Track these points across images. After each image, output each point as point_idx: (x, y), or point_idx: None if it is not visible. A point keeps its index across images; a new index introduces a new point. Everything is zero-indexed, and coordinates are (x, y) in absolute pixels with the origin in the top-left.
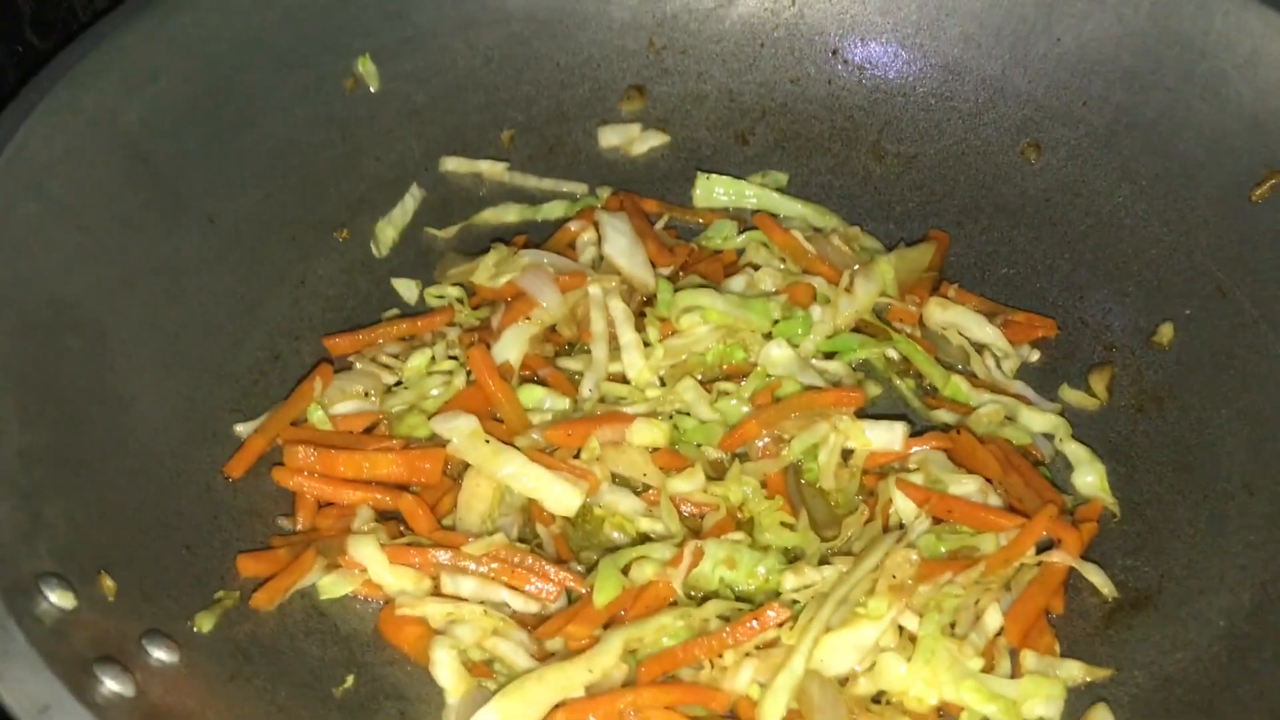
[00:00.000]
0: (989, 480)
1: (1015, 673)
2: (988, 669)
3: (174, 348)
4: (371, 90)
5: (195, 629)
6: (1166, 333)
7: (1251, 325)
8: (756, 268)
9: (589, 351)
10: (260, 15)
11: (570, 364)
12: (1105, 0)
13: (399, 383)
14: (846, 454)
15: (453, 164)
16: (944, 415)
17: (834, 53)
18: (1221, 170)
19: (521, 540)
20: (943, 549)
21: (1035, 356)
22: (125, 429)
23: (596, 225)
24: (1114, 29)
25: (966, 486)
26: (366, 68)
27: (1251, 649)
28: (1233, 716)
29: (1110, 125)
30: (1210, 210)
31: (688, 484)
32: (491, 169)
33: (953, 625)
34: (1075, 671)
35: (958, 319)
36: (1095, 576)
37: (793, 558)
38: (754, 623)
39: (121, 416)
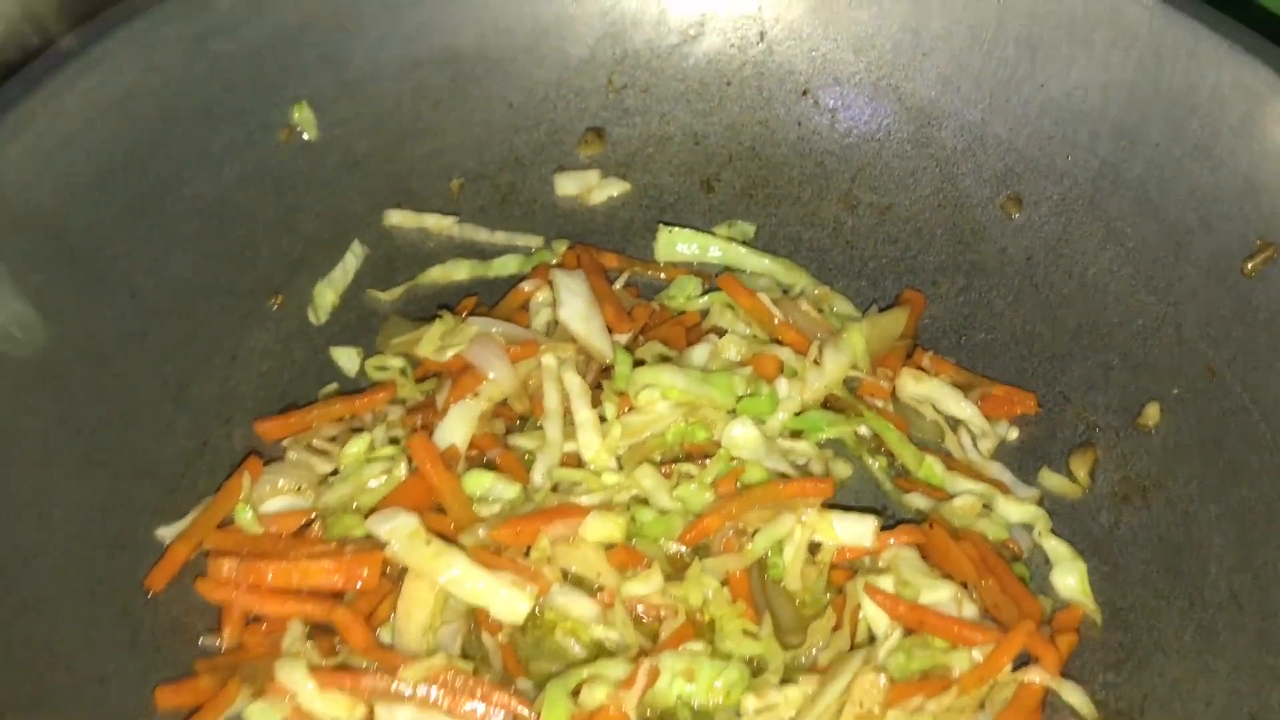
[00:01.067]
0: (964, 585)
1: None
2: None
3: (92, 444)
4: (308, 140)
5: None
6: (1153, 414)
7: (1242, 411)
8: (721, 333)
9: (541, 427)
10: (184, 68)
11: (523, 442)
12: (1092, 46)
13: (335, 471)
14: (814, 547)
15: (397, 217)
16: (917, 500)
17: (804, 94)
18: (1213, 238)
19: (465, 654)
20: (914, 667)
21: (1014, 435)
22: (35, 547)
23: (551, 285)
24: (1101, 78)
25: (939, 594)
26: (303, 116)
27: None
28: None
29: (1095, 181)
30: (1200, 281)
31: (645, 587)
32: (439, 223)
33: None
34: None
35: (932, 393)
36: (1074, 697)
37: (756, 669)
38: None
39: (32, 531)
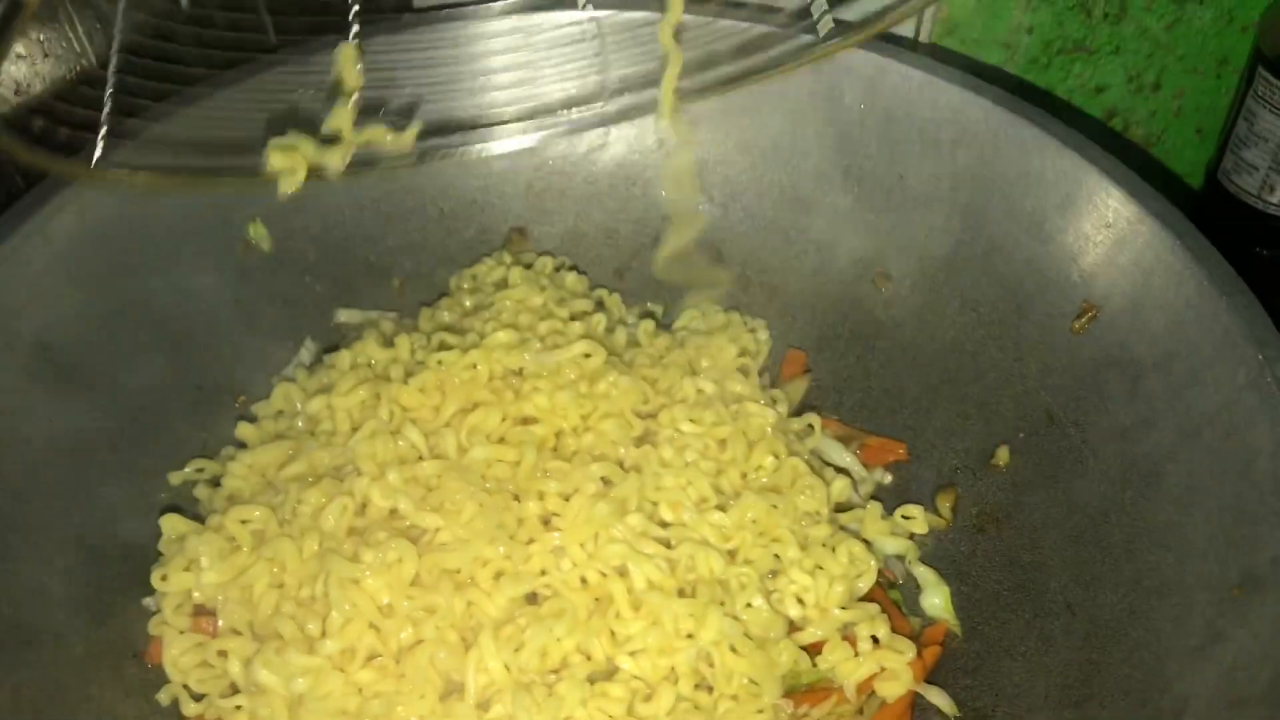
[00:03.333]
0: None
1: None
2: None
3: (78, 529)
4: (264, 251)
5: None
6: (1003, 455)
7: (1075, 449)
8: None
9: None
10: (151, 201)
11: None
12: (940, 142)
13: None
14: None
15: (345, 315)
16: None
17: (700, 190)
18: (1046, 301)
19: None
20: (803, 681)
21: (888, 479)
22: (36, 610)
23: None
24: (950, 167)
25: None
26: (257, 231)
27: None
28: None
29: (950, 256)
30: (1039, 338)
31: None
32: (382, 318)
33: None
34: None
35: (821, 446)
36: (938, 699)
37: None
38: None
39: (31, 600)
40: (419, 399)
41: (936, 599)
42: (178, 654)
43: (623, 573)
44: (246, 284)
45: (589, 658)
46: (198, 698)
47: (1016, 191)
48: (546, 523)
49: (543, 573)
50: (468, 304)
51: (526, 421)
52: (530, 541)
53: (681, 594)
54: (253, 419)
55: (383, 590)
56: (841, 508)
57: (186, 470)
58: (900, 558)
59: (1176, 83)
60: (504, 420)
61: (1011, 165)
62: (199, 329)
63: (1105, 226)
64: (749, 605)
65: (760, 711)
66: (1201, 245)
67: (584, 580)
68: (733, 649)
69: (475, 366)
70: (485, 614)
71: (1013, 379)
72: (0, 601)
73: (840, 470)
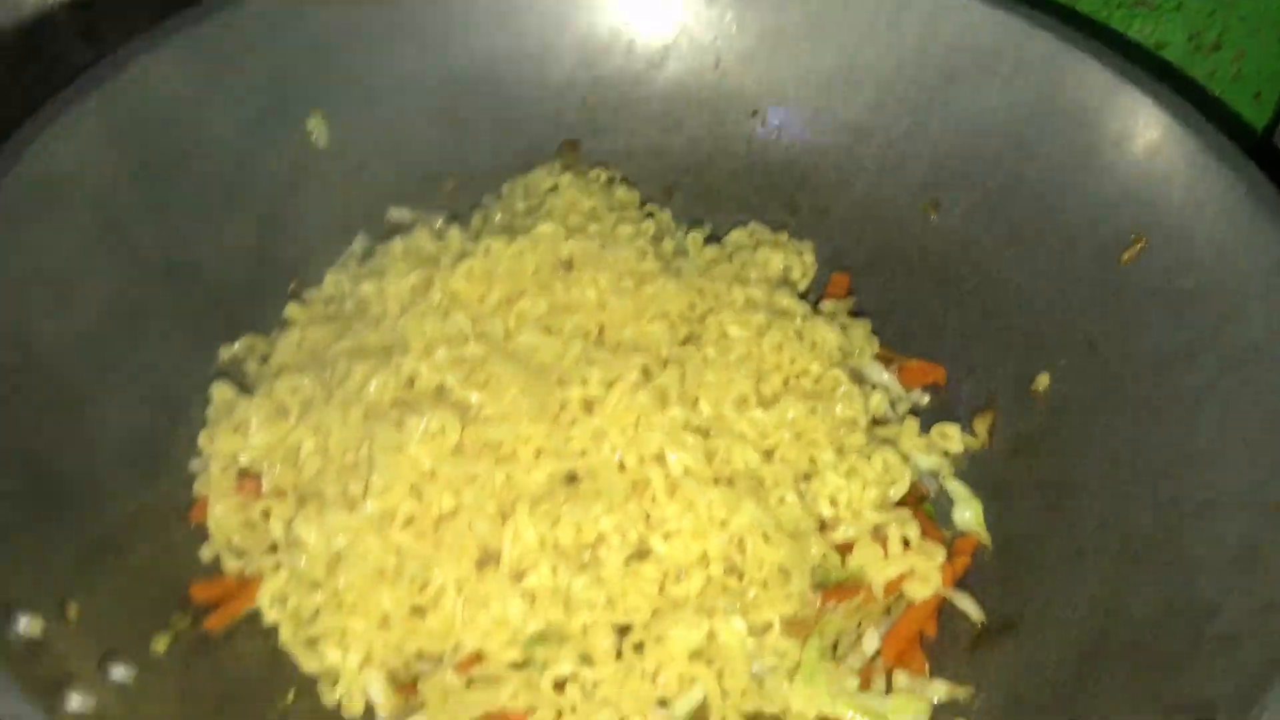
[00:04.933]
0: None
1: (889, 690)
2: (864, 686)
3: (134, 391)
4: (321, 146)
5: (150, 650)
6: (1043, 382)
7: (1115, 378)
8: None
9: None
10: (217, 81)
11: None
12: (997, 73)
13: None
14: None
15: (397, 214)
16: None
17: (754, 114)
18: (1096, 233)
19: None
20: (832, 578)
21: (925, 400)
22: (89, 465)
23: None
24: (1006, 98)
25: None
26: (316, 125)
27: (1092, 671)
28: None
29: (1001, 188)
30: (1086, 270)
31: None
32: (434, 217)
33: (835, 646)
34: (940, 690)
35: (860, 365)
36: (965, 604)
37: None
38: None
39: (85, 454)
40: (467, 286)
41: (968, 513)
42: (222, 513)
43: (660, 459)
44: (302, 174)
45: (624, 537)
46: (239, 556)
47: (1072, 124)
48: (588, 407)
49: (582, 454)
50: (520, 207)
51: (572, 313)
52: (572, 423)
53: (717, 484)
54: (306, 303)
55: (425, 456)
56: (879, 424)
57: (237, 346)
58: (934, 474)
59: (1238, 43)
60: (550, 310)
61: (1069, 98)
62: (255, 213)
63: (1160, 159)
64: (782, 501)
65: (788, 598)
66: (1255, 180)
67: (622, 465)
68: (764, 537)
69: (523, 256)
70: (524, 487)
71: (1056, 308)
72: (56, 458)
73: (877, 388)
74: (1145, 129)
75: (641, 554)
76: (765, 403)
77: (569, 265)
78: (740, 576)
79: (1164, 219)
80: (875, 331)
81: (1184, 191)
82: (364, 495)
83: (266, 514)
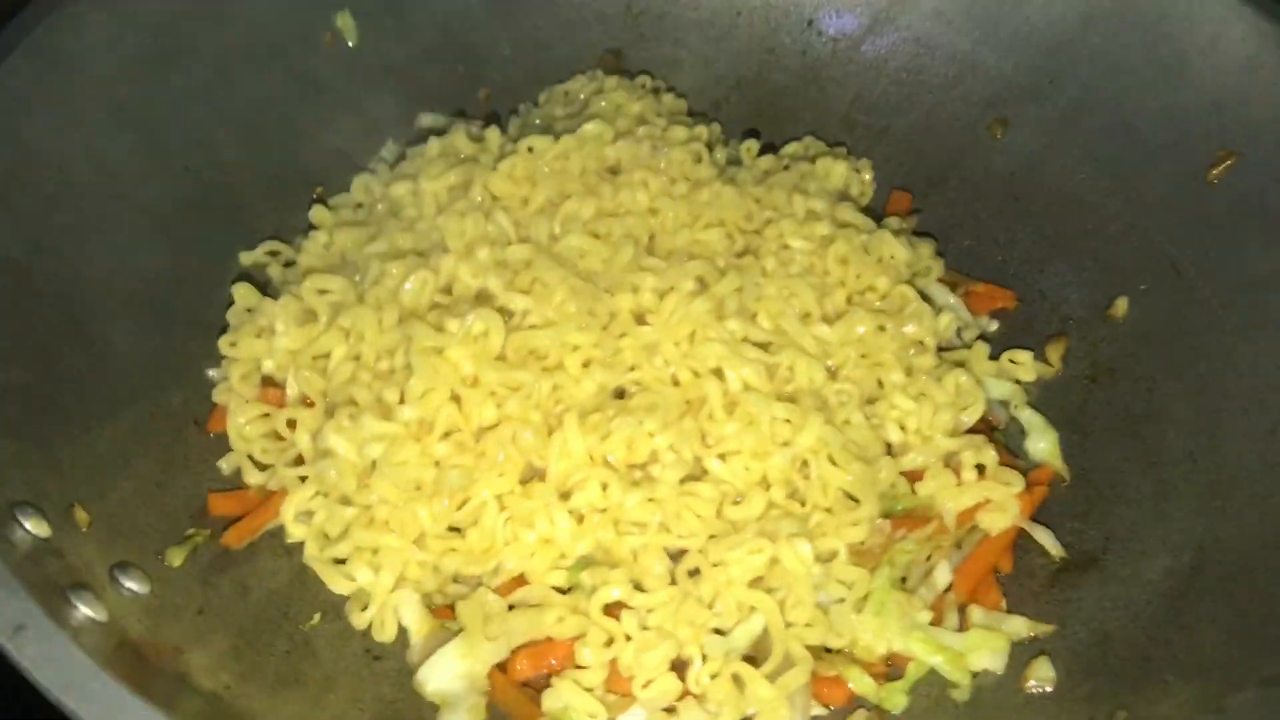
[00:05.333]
0: None
1: (962, 626)
2: (936, 622)
3: (148, 294)
4: (350, 45)
5: (166, 563)
6: (1121, 307)
7: (1202, 302)
8: None
9: None
10: None
11: None
12: None
13: None
14: None
15: (429, 120)
16: None
17: (809, 24)
18: (1180, 151)
19: None
20: (900, 506)
21: (994, 327)
22: (99, 369)
23: None
24: (1081, 8)
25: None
26: (345, 23)
27: (1186, 608)
28: (1165, 670)
29: (1075, 104)
30: (1168, 190)
31: None
32: (468, 126)
33: (904, 579)
34: (1019, 627)
35: (925, 287)
36: (1043, 538)
37: None
38: None
39: (95, 357)
40: (509, 187)
41: (1043, 443)
42: (243, 422)
43: (718, 374)
44: (329, 75)
45: (678, 456)
46: (261, 469)
47: (1156, 33)
48: (639, 318)
49: (634, 368)
50: (559, 113)
51: (622, 218)
52: (622, 335)
53: (779, 401)
54: (332, 207)
55: (466, 361)
56: (945, 350)
57: (258, 252)
58: (1005, 403)
59: None
60: (597, 214)
61: (1149, 5)
62: (277, 115)
63: (1254, 69)
64: (848, 422)
65: (855, 524)
66: None
67: (676, 379)
68: (830, 459)
69: (568, 157)
70: (572, 399)
71: (1135, 230)
72: (65, 357)
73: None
74: (1238, 36)
75: (697, 475)
76: (829, 318)
77: (616, 170)
78: (803, 502)
79: (1256, 133)
80: (939, 254)
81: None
82: (400, 402)
83: (292, 424)
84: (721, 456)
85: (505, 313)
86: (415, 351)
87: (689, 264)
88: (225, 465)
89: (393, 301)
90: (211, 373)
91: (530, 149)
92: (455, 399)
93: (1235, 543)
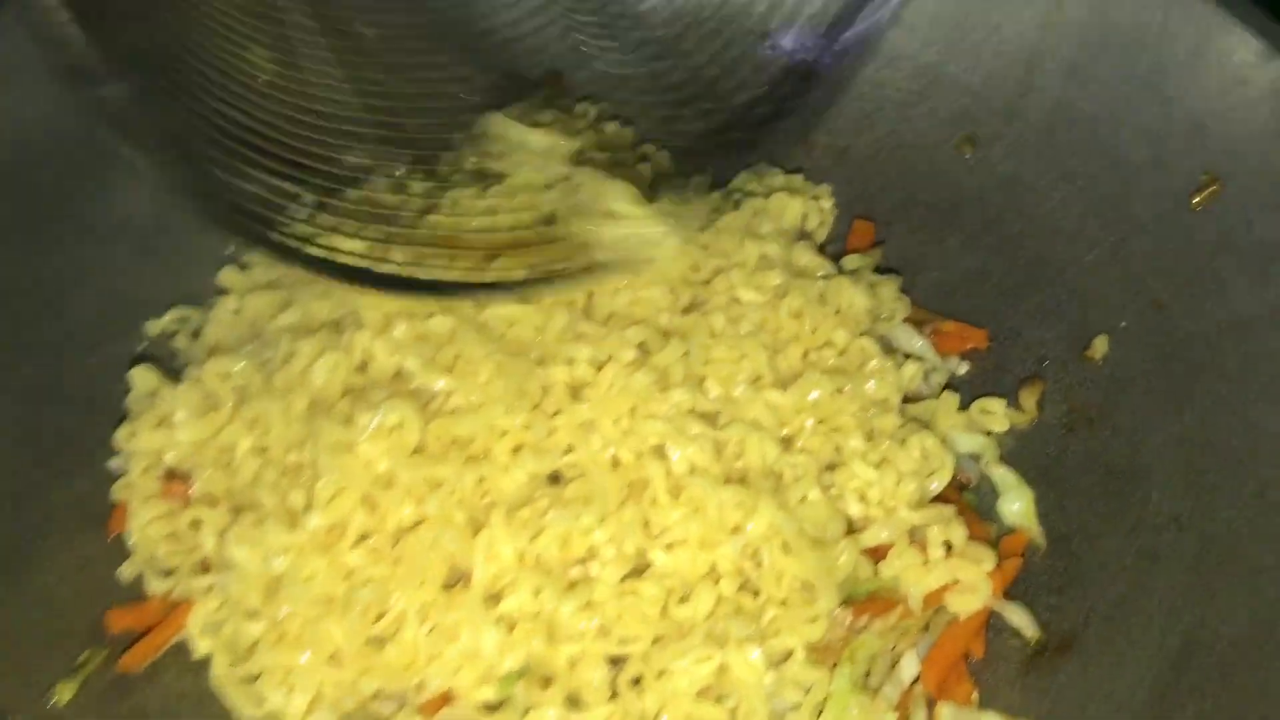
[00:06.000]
0: None
1: None
2: None
3: (41, 375)
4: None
5: (54, 702)
6: (1100, 346)
7: (1186, 342)
8: None
9: None
10: None
11: None
12: None
13: None
14: None
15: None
16: None
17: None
18: (1161, 173)
19: None
20: (862, 590)
21: (964, 369)
22: None
23: None
24: (1054, 17)
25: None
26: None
27: (1175, 703)
28: None
29: (1049, 120)
30: (1149, 216)
31: None
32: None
33: (867, 674)
34: None
35: (888, 330)
36: (1018, 618)
37: None
38: None
39: None
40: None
41: (1017, 504)
42: (145, 522)
43: (661, 454)
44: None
45: (619, 550)
46: (164, 575)
47: (1133, 46)
48: (575, 393)
49: (569, 450)
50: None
51: None
52: (556, 413)
53: (728, 482)
54: (244, 267)
55: (380, 458)
56: (910, 399)
57: (165, 319)
58: (976, 457)
59: None
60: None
61: (1127, 14)
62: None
63: (1239, 84)
64: (804, 499)
65: (813, 620)
66: None
67: (616, 461)
68: (784, 546)
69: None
70: (499, 492)
71: (1115, 261)
72: None
73: (910, 357)
74: (1220, 49)
75: (640, 569)
76: (783, 381)
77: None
78: (756, 594)
79: (1242, 157)
80: (905, 290)
81: (1268, 122)
82: (307, 507)
83: (196, 524)
84: (667, 547)
85: (425, 394)
86: (321, 448)
87: (628, 330)
88: (126, 571)
89: (301, 387)
90: (112, 464)
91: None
92: (368, 501)
93: (1226, 627)
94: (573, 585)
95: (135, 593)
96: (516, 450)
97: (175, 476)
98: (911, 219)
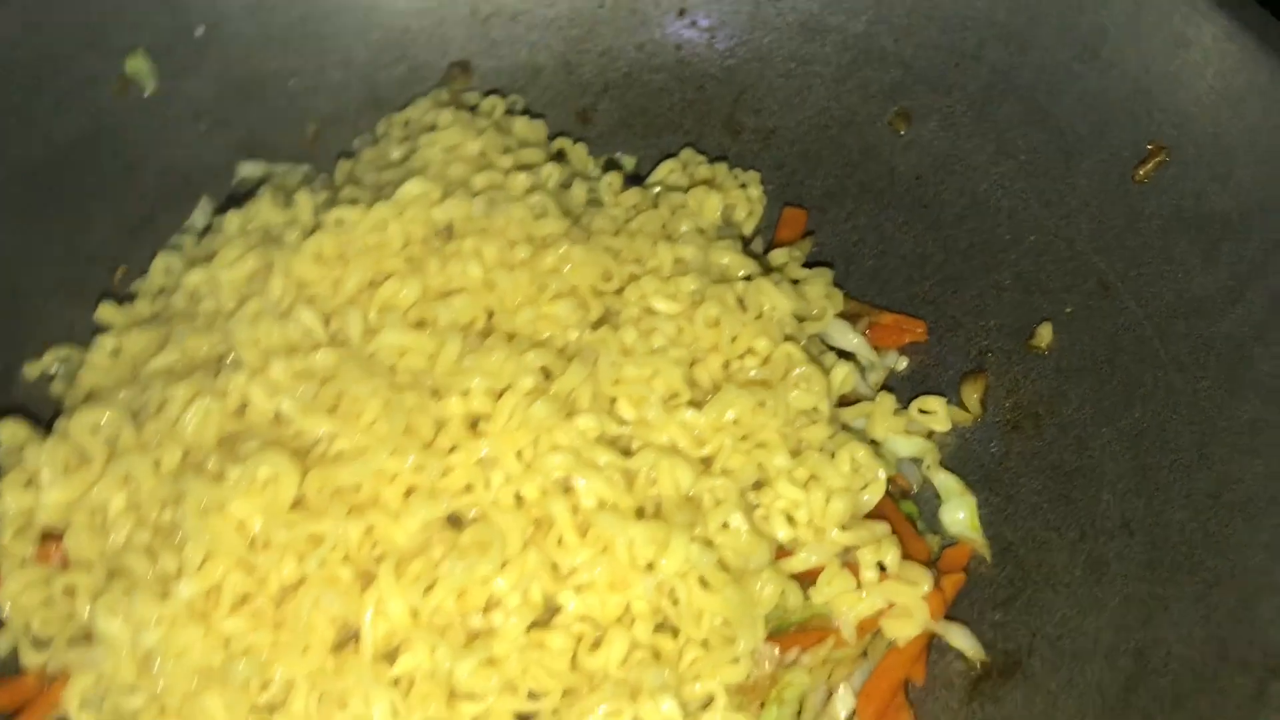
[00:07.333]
0: None
1: None
2: None
3: None
4: (146, 93)
5: None
6: (1045, 335)
7: (1136, 326)
8: None
9: None
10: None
11: None
12: None
13: None
14: None
15: (248, 169)
16: None
17: (681, 13)
18: (1104, 144)
19: None
20: (792, 620)
21: (903, 364)
22: None
23: None
24: None
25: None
26: (138, 66)
27: None
28: None
29: (985, 90)
30: (1093, 190)
31: None
32: (291, 172)
33: (799, 711)
34: None
35: (819, 329)
36: (961, 641)
37: None
38: None
39: None
40: (317, 270)
41: (960, 513)
42: (18, 589)
43: (567, 488)
44: (125, 130)
45: (524, 598)
46: (40, 647)
47: (1069, 8)
48: (473, 426)
49: (467, 489)
50: (395, 155)
51: (452, 298)
52: (452, 450)
53: (640, 514)
54: (133, 298)
55: (253, 516)
56: (846, 401)
57: (46, 359)
58: (916, 461)
59: None
60: (423, 296)
61: None
62: (66, 185)
63: (1182, 46)
64: (725, 526)
65: (734, 661)
66: None
67: (519, 499)
68: (702, 582)
69: (386, 225)
70: (390, 542)
71: (1059, 241)
72: None
73: (844, 355)
74: (1163, 12)
75: (547, 617)
76: (700, 398)
77: (449, 234)
78: (674, 634)
79: (1189, 125)
80: (838, 282)
81: (1215, 86)
82: (179, 573)
83: (71, 591)
84: (576, 590)
85: (306, 439)
86: (189, 510)
87: (528, 355)
88: (1, 644)
89: (174, 437)
90: None
91: (340, 222)
92: (244, 563)
93: (1180, 645)
94: (473, 638)
95: (10, 667)
96: (408, 494)
97: (52, 537)
98: (844, 204)
